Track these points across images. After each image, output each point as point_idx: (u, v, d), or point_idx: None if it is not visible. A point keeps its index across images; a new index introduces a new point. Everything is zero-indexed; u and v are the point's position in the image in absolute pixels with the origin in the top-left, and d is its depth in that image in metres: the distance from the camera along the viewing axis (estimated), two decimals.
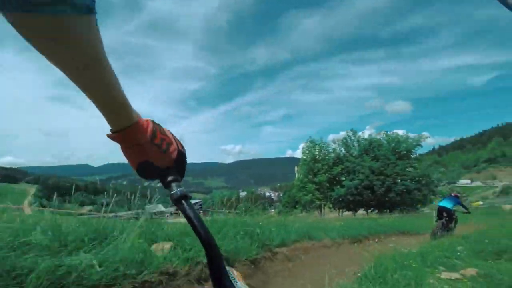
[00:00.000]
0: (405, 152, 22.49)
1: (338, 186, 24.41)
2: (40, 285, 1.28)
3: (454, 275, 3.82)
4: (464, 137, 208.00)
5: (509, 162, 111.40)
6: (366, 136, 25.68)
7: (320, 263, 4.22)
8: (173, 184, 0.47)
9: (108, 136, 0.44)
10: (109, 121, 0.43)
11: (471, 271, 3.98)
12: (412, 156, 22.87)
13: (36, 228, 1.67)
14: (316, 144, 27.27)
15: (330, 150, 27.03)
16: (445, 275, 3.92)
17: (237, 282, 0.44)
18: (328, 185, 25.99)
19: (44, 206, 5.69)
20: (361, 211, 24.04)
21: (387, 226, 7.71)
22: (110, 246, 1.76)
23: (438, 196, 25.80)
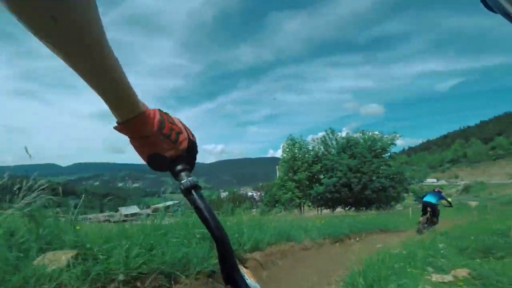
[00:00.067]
0: (380, 150, 23.22)
1: (317, 184, 24.59)
2: None
3: (447, 278, 3.43)
4: (431, 139, 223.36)
5: (469, 163, 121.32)
6: (343, 136, 26.18)
7: (300, 268, 3.63)
8: (183, 174, 0.45)
9: (115, 128, 0.42)
10: (115, 111, 0.40)
11: (462, 272, 3.62)
12: (387, 155, 23.63)
13: None
14: (296, 143, 27.38)
15: (309, 149, 27.25)
16: (436, 277, 3.52)
17: (247, 279, 0.43)
18: (307, 183, 26.13)
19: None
20: (339, 209, 24.38)
21: (367, 223, 7.41)
22: None
23: (410, 194, 26.97)
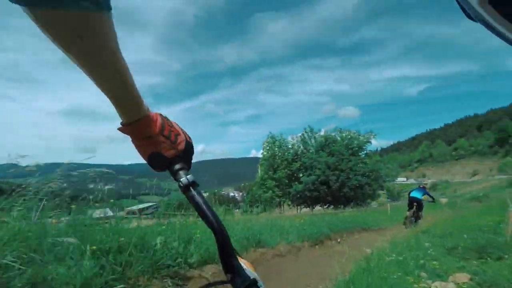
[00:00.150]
0: (357, 148, 23.54)
1: (296, 183, 24.38)
2: None
3: (449, 286, 2.86)
4: (401, 140, 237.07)
5: (435, 162, 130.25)
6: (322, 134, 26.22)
7: (272, 281, 2.86)
8: (181, 172, 0.48)
9: (119, 129, 0.45)
10: (122, 113, 0.44)
11: (462, 277, 3.07)
12: (363, 153, 24.04)
13: None
14: (276, 141, 27.01)
15: (289, 147, 27.02)
16: (435, 285, 2.94)
17: (246, 269, 0.44)
18: (287, 181, 25.84)
19: None
20: (318, 207, 24.33)
21: (347, 222, 6.90)
22: None
23: (385, 191, 27.71)
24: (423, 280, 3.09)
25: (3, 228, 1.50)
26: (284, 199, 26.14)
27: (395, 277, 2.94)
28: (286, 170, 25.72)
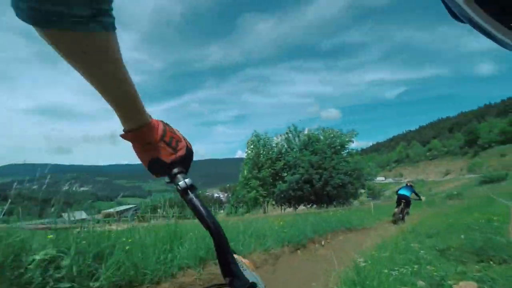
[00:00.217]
0: (339, 147, 23.63)
1: (281, 182, 24.04)
2: None
3: None
4: (380, 141, 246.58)
5: (411, 162, 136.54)
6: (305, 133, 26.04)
7: None
8: (179, 176, 0.48)
9: (122, 136, 0.47)
10: (124, 121, 0.46)
11: (469, 287, 2.63)
12: (345, 151, 24.17)
13: None
14: (261, 139, 26.50)
15: (273, 145, 26.62)
16: None
17: (245, 270, 0.45)
18: (271, 180, 25.41)
19: None
20: (301, 207, 24.12)
21: (331, 222, 6.44)
22: None
23: (366, 190, 28.09)
24: None
25: None
26: (268, 199, 25.70)
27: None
28: (270, 169, 25.30)
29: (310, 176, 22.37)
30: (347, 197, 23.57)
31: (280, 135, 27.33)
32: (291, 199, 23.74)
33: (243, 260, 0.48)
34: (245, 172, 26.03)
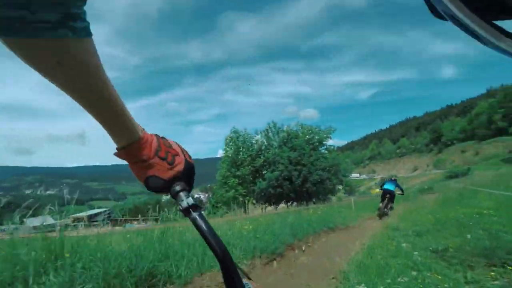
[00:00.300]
0: (317, 143, 23.58)
1: (260, 179, 23.38)
2: None
3: None
4: (354, 140, 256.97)
5: (383, 159, 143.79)
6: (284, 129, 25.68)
7: None
8: (181, 194, 0.46)
9: (115, 154, 0.44)
10: (114, 138, 0.43)
11: None
12: (323, 148, 24.18)
13: None
14: (240, 136, 25.55)
15: (253, 142, 25.87)
16: None
17: None
18: (251, 178, 24.64)
19: None
20: (282, 205, 23.68)
21: (312, 221, 5.78)
22: None
23: (344, 186, 28.39)
24: None
25: None
26: (248, 197, 24.91)
27: None
28: (250, 166, 24.55)
29: (290, 173, 22.12)
30: (325, 193, 23.59)
31: (260, 132, 26.66)
32: (271, 197, 23.22)
33: (254, 284, 0.45)
34: (223, 170, 24.99)
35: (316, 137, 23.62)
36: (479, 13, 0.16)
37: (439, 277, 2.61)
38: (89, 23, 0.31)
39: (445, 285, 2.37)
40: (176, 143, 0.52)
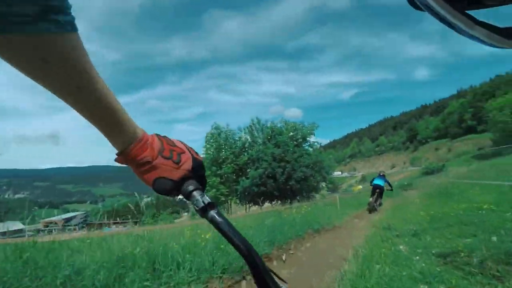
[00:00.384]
0: (301, 140, 23.22)
1: (244, 178, 22.52)
2: None
3: None
4: (336, 138, 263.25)
5: (363, 157, 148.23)
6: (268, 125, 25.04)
7: None
8: (195, 193, 0.44)
9: (116, 160, 0.42)
10: (112, 142, 0.40)
11: None
12: (306, 144, 23.87)
13: None
14: (222, 132, 24.43)
15: (236, 139, 24.89)
16: None
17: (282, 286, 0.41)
18: (234, 177, 23.65)
19: None
20: (266, 204, 23.02)
21: (295, 223, 5.06)
22: None
23: (327, 183, 28.28)
24: None
25: None
26: (231, 197, 23.93)
27: None
28: (233, 164, 23.58)
29: (273, 170, 21.50)
30: (309, 191, 23.26)
31: (244, 129, 25.74)
32: (255, 196, 22.44)
33: (283, 284, 0.43)
34: None
35: (300, 133, 23.26)
36: (452, 4, 0.17)
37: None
38: (74, 17, 0.29)
39: None
40: (180, 141, 0.48)
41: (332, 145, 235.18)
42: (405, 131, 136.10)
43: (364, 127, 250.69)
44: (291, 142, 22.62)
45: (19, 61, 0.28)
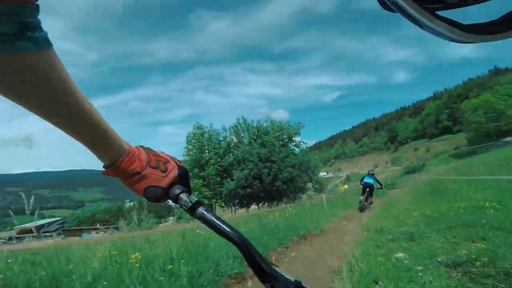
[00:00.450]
0: (287, 139, 22.86)
1: (229, 180, 21.63)
2: None
3: None
4: (321, 140, 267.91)
5: (347, 158, 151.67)
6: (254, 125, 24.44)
7: None
8: (182, 195, 0.46)
9: (104, 173, 0.43)
10: (99, 156, 0.41)
11: None
12: (292, 144, 23.55)
13: None
14: (205, 132, 23.38)
15: (220, 139, 23.94)
16: None
17: (281, 272, 0.42)
18: (219, 179, 22.70)
19: None
20: (253, 206, 22.31)
21: (278, 228, 4.47)
22: None
23: (314, 184, 28.10)
24: None
25: None
26: (215, 200, 23.01)
27: None
28: (216, 166, 22.66)
29: (259, 171, 20.89)
30: (296, 192, 22.85)
31: (229, 128, 24.88)
32: (240, 198, 21.65)
33: (280, 270, 0.43)
34: None
35: (286, 133, 22.91)
36: (422, 3, 0.18)
37: None
38: (47, 32, 0.29)
39: None
40: (162, 152, 0.50)
41: (318, 146, 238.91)
42: (386, 132, 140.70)
43: (348, 128, 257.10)
44: (277, 142, 22.23)
45: None
